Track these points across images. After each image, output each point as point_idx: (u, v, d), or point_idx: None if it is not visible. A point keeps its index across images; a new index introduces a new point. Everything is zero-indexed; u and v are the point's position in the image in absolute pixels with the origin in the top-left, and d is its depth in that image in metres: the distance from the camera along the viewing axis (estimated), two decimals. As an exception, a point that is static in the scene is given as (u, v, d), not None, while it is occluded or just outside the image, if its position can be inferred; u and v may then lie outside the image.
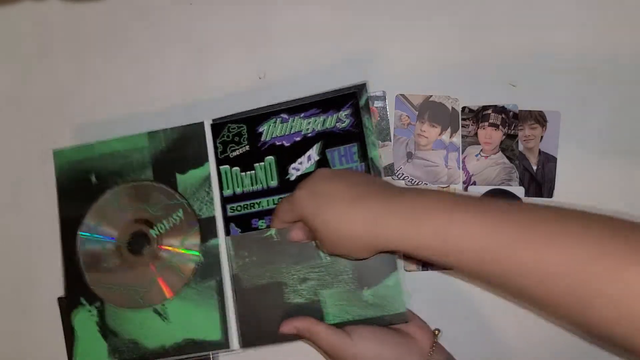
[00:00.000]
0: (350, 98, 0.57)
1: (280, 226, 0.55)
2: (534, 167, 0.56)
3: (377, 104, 0.58)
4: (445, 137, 0.57)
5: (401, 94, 0.58)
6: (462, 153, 0.57)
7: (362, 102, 0.56)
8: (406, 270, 0.58)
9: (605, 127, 0.56)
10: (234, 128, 0.59)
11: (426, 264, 0.57)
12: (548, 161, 0.56)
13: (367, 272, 0.54)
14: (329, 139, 0.57)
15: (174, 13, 0.59)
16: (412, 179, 0.57)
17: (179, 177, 0.60)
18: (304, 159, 0.57)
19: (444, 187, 0.57)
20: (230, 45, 0.60)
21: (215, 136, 0.59)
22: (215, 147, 0.59)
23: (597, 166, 0.55)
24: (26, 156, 0.64)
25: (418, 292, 0.57)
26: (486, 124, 0.56)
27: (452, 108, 0.57)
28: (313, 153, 0.57)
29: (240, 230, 0.57)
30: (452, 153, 0.57)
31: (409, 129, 0.57)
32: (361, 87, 0.57)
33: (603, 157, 0.56)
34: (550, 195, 0.56)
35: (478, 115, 0.57)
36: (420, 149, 0.58)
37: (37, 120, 0.63)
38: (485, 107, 0.57)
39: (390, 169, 0.58)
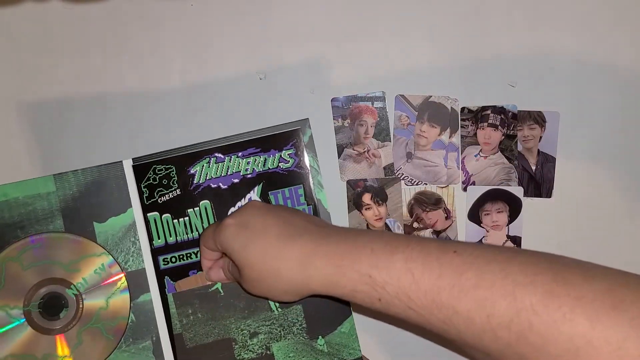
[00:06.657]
0: (292, 136, 0.53)
1: (203, 254, 0.50)
2: (533, 168, 0.56)
3: (377, 104, 0.56)
4: (445, 137, 0.56)
5: (401, 95, 0.56)
6: (462, 153, 0.57)
7: (305, 139, 0.53)
8: None
9: (604, 128, 0.57)
10: (161, 170, 0.52)
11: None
12: (547, 161, 0.56)
13: (320, 321, 0.52)
14: (271, 180, 0.53)
15: (174, 13, 0.57)
16: (412, 179, 0.56)
17: (97, 226, 0.52)
18: (244, 202, 0.53)
19: (443, 187, 0.57)
20: (230, 46, 0.57)
21: (139, 179, 0.52)
22: (140, 192, 0.52)
23: (596, 166, 0.56)
24: None
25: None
26: (485, 124, 0.56)
27: (452, 108, 0.56)
28: (254, 195, 0.53)
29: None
30: (452, 153, 0.56)
31: (408, 130, 0.56)
32: (304, 123, 0.53)
33: (602, 158, 0.56)
34: (548, 195, 0.57)
35: (477, 116, 0.56)
36: (419, 149, 0.56)
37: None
38: (484, 108, 0.56)
39: (390, 169, 0.56)
